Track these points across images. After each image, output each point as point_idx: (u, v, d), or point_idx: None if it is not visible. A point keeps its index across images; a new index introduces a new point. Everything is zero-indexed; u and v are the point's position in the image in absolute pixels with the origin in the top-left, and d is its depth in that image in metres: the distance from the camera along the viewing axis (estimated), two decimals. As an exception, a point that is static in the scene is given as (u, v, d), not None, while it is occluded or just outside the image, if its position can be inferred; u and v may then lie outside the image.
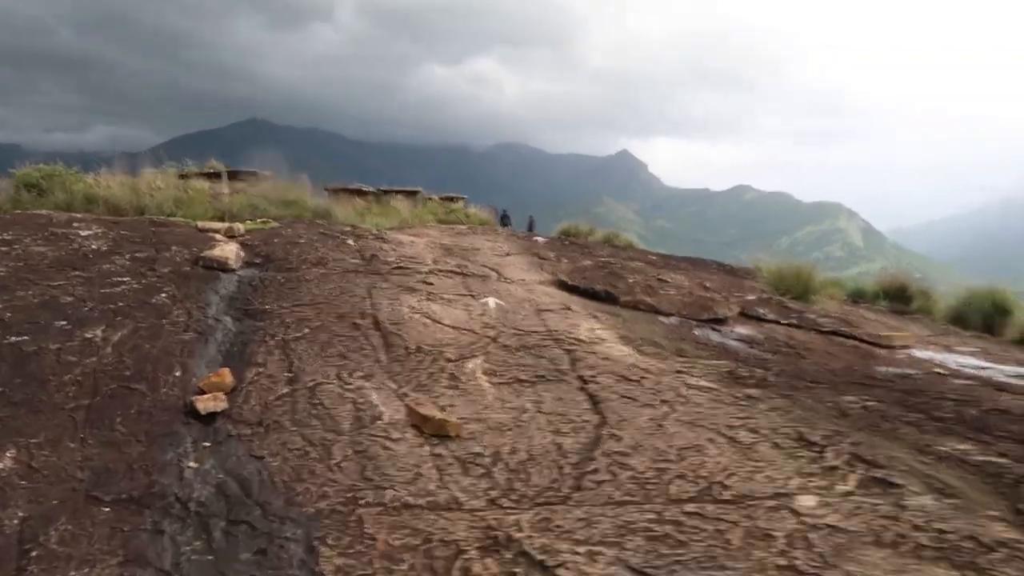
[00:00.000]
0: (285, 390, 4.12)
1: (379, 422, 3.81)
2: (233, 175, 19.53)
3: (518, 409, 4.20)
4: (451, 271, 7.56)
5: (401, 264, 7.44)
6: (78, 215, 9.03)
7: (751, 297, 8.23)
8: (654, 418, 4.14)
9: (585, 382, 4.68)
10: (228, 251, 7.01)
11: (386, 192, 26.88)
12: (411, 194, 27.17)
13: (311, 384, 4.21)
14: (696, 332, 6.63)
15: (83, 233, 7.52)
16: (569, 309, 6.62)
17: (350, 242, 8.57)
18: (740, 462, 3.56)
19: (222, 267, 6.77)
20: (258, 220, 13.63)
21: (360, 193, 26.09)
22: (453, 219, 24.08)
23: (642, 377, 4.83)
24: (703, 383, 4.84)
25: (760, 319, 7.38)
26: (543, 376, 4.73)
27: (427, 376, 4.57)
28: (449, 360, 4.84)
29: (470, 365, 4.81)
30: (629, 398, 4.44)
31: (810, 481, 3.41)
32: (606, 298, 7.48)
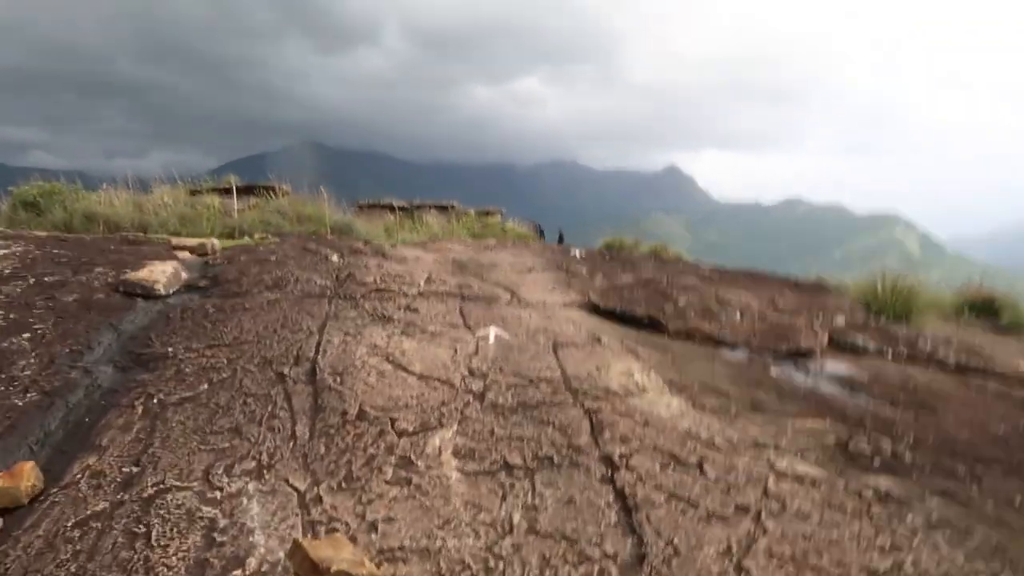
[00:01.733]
0: (103, 505, 2.46)
1: (236, 573, 2.14)
2: (249, 190, 18.40)
3: (498, 527, 2.49)
4: (448, 293, 5.89)
5: (383, 286, 5.80)
6: (12, 232, 7.67)
7: (840, 320, 6.35)
8: (729, 548, 2.38)
9: (613, 467, 2.94)
10: (159, 273, 5.47)
11: (419, 207, 25.58)
12: (444, 209, 25.81)
13: (153, 490, 2.55)
14: (774, 372, 4.82)
15: (-5, 254, 6.10)
16: (598, 342, 4.89)
17: (334, 259, 7.01)
18: None
19: (146, 293, 5.24)
20: (256, 236, 12.26)
21: (392, 208, 24.83)
22: (488, 234, 22.61)
23: (703, 457, 3.06)
24: (801, 467, 3.05)
25: (858, 350, 5.52)
26: (547, 458, 3.01)
27: (363, 463, 2.89)
28: (404, 433, 3.15)
29: (436, 441, 3.11)
30: (684, 500, 2.69)
31: None
32: (649, 325, 5.72)
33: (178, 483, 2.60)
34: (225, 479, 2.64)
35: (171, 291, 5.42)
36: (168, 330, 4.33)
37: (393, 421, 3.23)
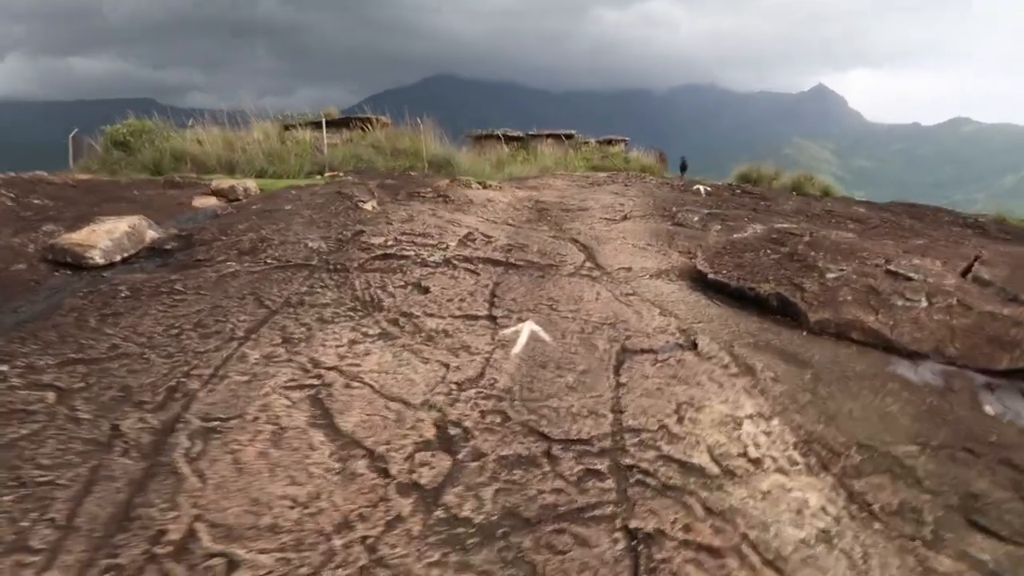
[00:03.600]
0: None
1: None
2: (344, 123, 17.36)
3: None
4: (486, 259, 4.21)
5: (394, 250, 4.21)
6: (13, 176, 6.65)
7: (1088, 303, 4.13)
8: None
9: None
10: (101, 235, 4.14)
11: (534, 137, 23.83)
12: (561, 138, 23.90)
13: None
14: (992, 410, 2.85)
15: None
16: (692, 349, 3.10)
17: (368, 207, 5.50)
18: None
19: (77, 262, 3.94)
20: (326, 175, 11.12)
21: (505, 139, 23.22)
22: (608, 165, 20.73)
23: None
24: None
25: None
26: None
27: None
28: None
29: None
30: None
31: None
32: (779, 310, 3.82)
33: None
34: None
35: (117, 258, 4.09)
36: (31, 330, 2.95)
37: (232, 569, 1.65)
